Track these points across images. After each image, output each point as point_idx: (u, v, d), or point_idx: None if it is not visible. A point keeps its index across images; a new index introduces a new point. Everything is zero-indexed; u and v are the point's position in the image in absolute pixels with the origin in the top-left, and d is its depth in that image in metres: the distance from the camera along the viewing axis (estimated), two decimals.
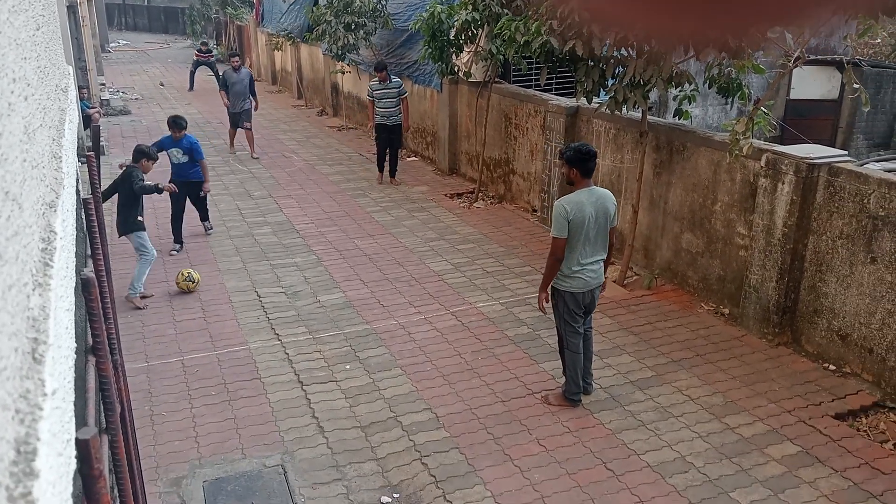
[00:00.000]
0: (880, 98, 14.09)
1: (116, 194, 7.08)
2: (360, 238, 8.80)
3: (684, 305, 6.89)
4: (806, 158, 5.76)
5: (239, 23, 24.98)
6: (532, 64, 9.34)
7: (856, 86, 5.61)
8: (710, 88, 6.86)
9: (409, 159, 12.53)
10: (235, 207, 10.01)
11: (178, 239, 8.41)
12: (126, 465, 2.18)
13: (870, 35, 5.88)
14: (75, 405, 1.40)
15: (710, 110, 14.09)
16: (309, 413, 5.22)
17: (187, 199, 8.44)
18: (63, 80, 3.41)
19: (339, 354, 6.05)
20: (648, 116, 7.14)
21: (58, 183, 2.00)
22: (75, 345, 1.62)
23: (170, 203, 8.36)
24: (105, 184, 7.14)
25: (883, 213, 5.28)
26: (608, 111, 6.86)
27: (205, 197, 8.66)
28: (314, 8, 13.91)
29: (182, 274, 7.25)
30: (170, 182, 8.13)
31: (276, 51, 20.17)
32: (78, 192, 3.02)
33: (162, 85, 21.66)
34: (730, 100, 6.93)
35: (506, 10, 8.30)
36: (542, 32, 6.58)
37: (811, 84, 14.19)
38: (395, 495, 4.41)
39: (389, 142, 10.96)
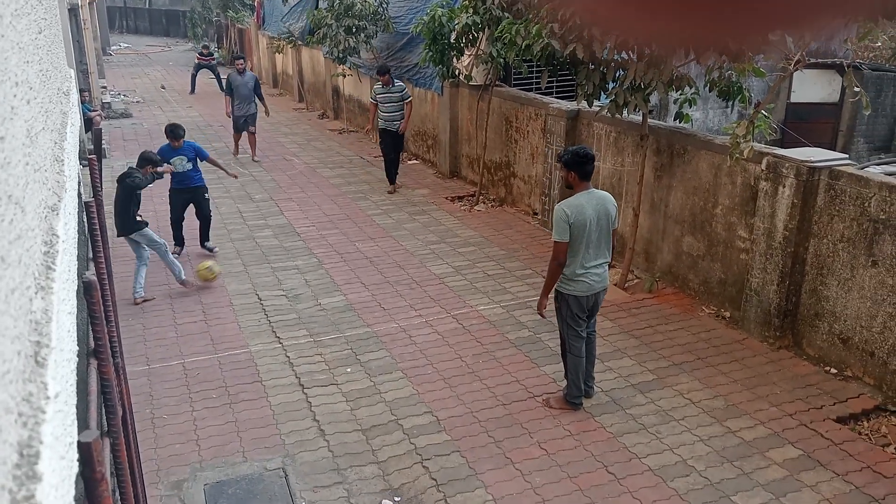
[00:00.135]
0: (881, 101, 14.10)
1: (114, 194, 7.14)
2: (360, 241, 8.80)
3: (685, 309, 6.88)
4: (807, 162, 5.77)
5: (240, 26, 25.04)
6: (533, 67, 9.36)
7: (857, 89, 5.61)
8: (710, 92, 6.87)
9: (409, 162, 12.54)
10: (236, 210, 10.02)
11: (179, 242, 8.36)
12: (127, 467, 2.18)
13: (870, 38, 5.89)
14: (77, 408, 1.41)
15: (710, 114, 14.10)
16: (310, 416, 5.22)
17: (189, 207, 8.27)
18: (65, 84, 3.42)
19: (339, 357, 6.05)
20: (649, 120, 7.14)
21: (60, 186, 2.00)
22: (77, 348, 1.62)
23: (168, 209, 8.34)
24: (106, 186, 7.16)
25: (884, 217, 5.28)
26: (609, 114, 6.86)
27: (207, 202, 8.32)
28: (315, 11, 13.93)
29: (205, 264, 7.44)
30: (171, 189, 8.09)
31: (277, 54, 20.20)
32: (80, 195, 3.03)
33: (163, 88, 21.70)
34: (730, 103, 6.94)
35: (506, 14, 8.31)
36: (544, 35, 6.58)
37: (812, 87, 14.20)
38: (397, 498, 4.40)
39: (394, 146, 10.88)
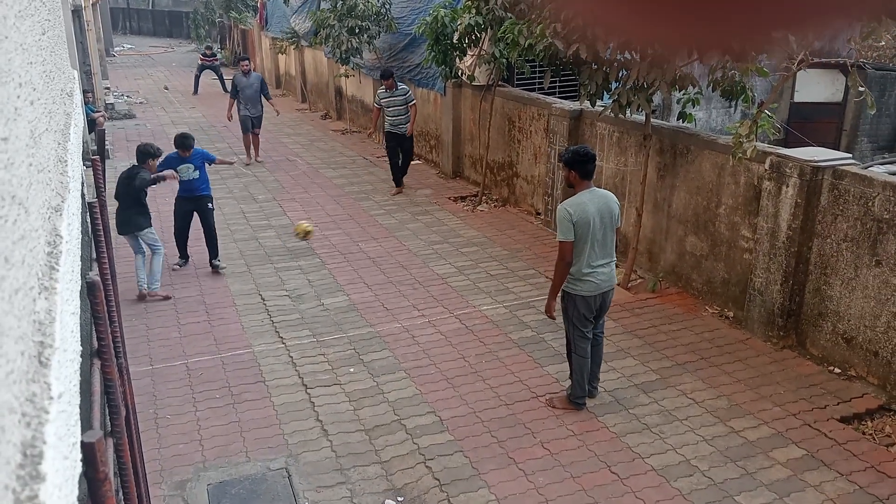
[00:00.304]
0: (885, 101, 14.07)
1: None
2: (363, 241, 8.81)
3: (688, 308, 6.88)
4: (810, 161, 5.76)
5: (243, 27, 25.07)
6: (535, 67, 9.35)
7: (861, 89, 5.59)
8: (713, 91, 6.85)
9: (413, 163, 12.53)
10: (240, 211, 10.03)
11: (182, 254, 8.05)
12: (131, 468, 2.18)
13: (874, 38, 5.88)
14: (81, 408, 1.41)
15: (713, 113, 14.08)
16: (313, 416, 5.22)
17: (194, 217, 7.95)
18: (68, 85, 3.42)
19: (342, 357, 6.05)
20: (652, 119, 7.13)
21: (63, 187, 2.00)
22: (81, 348, 1.63)
23: (173, 216, 8.23)
24: (109, 187, 7.17)
25: (888, 216, 5.27)
26: (612, 114, 6.86)
27: (211, 212, 7.98)
28: (318, 12, 13.93)
29: (302, 224, 7.89)
30: (177, 197, 7.93)
31: (280, 55, 20.22)
32: (83, 195, 3.03)
33: (166, 89, 21.73)
34: (734, 103, 6.93)
35: (509, 14, 8.31)
36: (547, 35, 6.58)
37: (815, 87, 14.17)
38: (400, 499, 4.40)
39: (402, 149, 10.82)
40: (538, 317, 6.67)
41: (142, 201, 7.16)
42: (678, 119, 7.14)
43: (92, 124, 11.31)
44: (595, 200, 4.93)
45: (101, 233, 2.68)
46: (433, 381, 5.67)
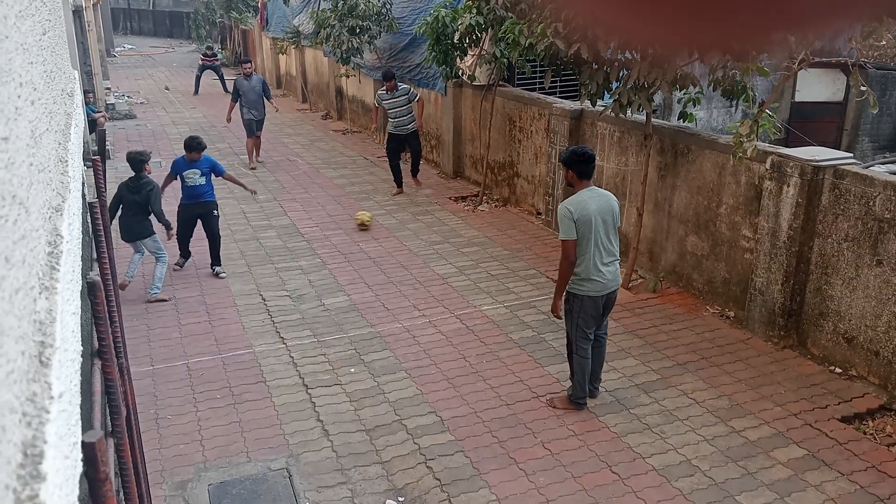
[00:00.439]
0: (886, 100, 14.06)
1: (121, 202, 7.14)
2: (364, 241, 8.81)
3: (689, 308, 6.87)
4: (811, 161, 5.75)
5: (244, 27, 25.08)
6: (536, 67, 9.35)
7: (863, 88, 5.59)
8: (714, 91, 6.84)
9: None
10: (240, 211, 10.03)
11: (184, 253, 7.99)
12: (132, 468, 2.18)
13: (874, 37, 5.87)
14: (81, 408, 1.41)
15: (714, 113, 14.07)
16: (314, 416, 5.22)
17: (198, 223, 7.88)
18: (69, 85, 3.42)
19: (343, 358, 6.06)
20: (653, 119, 7.13)
21: (64, 187, 2.00)
22: (81, 348, 1.63)
23: (176, 221, 8.15)
24: (110, 188, 7.17)
25: (889, 216, 5.26)
26: (612, 114, 6.86)
27: (217, 219, 7.89)
28: (318, 11, 13.92)
29: (363, 214, 9.06)
30: (181, 203, 7.82)
31: (280, 55, 20.22)
32: (84, 195, 3.03)
33: (167, 89, 21.75)
34: (734, 102, 6.92)
35: (510, 14, 8.31)
36: (548, 35, 6.58)
37: (816, 86, 14.16)
38: (400, 499, 4.40)
39: (409, 148, 10.76)
40: (539, 317, 6.67)
41: (147, 210, 7.12)
42: (679, 119, 7.14)
43: (93, 124, 11.29)
44: (595, 199, 4.93)
45: (102, 233, 2.68)
46: (434, 381, 5.66)
